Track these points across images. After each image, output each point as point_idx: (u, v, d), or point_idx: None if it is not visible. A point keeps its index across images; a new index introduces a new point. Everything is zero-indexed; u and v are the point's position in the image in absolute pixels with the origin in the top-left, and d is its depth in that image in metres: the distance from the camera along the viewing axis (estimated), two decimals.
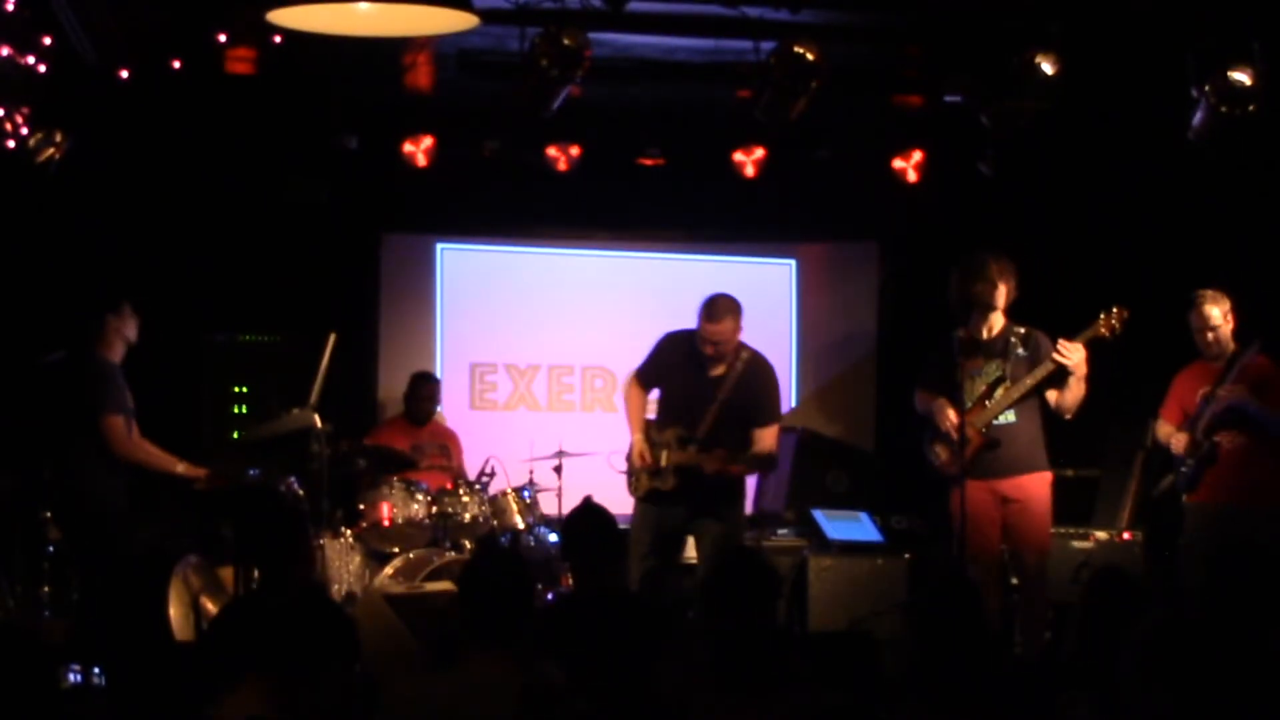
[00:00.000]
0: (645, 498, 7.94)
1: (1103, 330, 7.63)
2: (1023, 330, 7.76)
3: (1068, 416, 7.76)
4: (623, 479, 8.12)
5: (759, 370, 7.90)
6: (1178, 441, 7.87)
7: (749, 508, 10.48)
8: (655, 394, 8.12)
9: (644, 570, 7.81)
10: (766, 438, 7.84)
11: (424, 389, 10.00)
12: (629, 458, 8.06)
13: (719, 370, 7.84)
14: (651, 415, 8.09)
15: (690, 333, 7.87)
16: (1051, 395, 7.73)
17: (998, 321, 7.82)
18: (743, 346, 7.87)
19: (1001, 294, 7.77)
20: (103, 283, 8.83)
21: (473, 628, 4.47)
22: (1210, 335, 7.83)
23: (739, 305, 7.81)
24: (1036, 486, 7.81)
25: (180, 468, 8.02)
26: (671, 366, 7.98)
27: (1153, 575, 8.54)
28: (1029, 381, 7.69)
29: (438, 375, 10.45)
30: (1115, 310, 7.61)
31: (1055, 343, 7.67)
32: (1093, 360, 7.64)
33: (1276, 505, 7.72)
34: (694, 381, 7.86)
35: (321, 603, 4.23)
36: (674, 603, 8.12)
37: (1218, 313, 7.82)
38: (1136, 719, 3.57)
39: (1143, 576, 8.40)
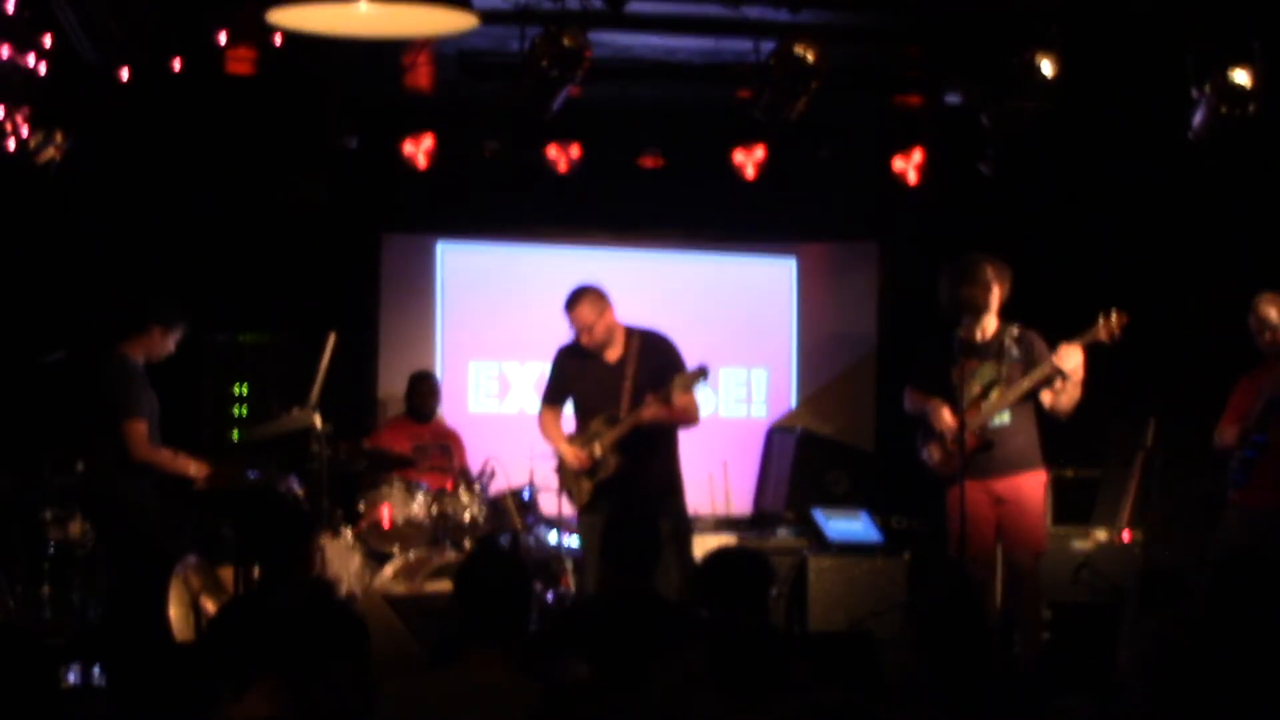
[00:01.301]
0: (589, 505, 8.03)
1: (1101, 334, 7.61)
2: (1016, 331, 7.75)
3: (1063, 418, 7.75)
4: None
5: (655, 342, 8.11)
6: (1230, 434, 7.76)
7: (749, 508, 10.55)
8: (568, 415, 8.28)
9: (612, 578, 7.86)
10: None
11: (424, 385, 10.04)
12: (562, 473, 8.19)
13: (617, 354, 8.05)
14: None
15: (575, 339, 8.11)
16: (1046, 397, 7.71)
17: (991, 323, 7.81)
18: (630, 330, 8.10)
19: (994, 296, 7.77)
20: (112, 286, 8.80)
21: (469, 627, 4.47)
22: (1269, 335, 7.76)
23: (593, 289, 8.06)
24: (1030, 486, 7.80)
25: (193, 469, 8.03)
26: (573, 371, 8.17)
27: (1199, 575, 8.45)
28: (1025, 384, 7.67)
29: (437, 375, 10.46)
30: (1114, 315, 7.59)
31: (1051, 343, 7.66)
32: (1090, 363, 7.63)
33: None
34: (599, 373, 8.05)
35: (332, 601, 4.24)
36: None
37: (1275, 313, 7.76)
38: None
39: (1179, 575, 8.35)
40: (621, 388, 7.95)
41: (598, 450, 7.96)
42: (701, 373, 7.86)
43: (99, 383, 7.94)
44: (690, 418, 8.04)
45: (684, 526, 8.08)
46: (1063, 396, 7.66)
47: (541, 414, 8.29)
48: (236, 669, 4.01)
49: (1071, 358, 7.55)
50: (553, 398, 8.27)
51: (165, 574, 7.43)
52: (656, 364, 7.98)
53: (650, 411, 7.83)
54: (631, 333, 8.08)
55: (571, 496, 8.15)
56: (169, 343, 8.04)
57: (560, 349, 8.25)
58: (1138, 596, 4.79)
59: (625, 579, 5.84)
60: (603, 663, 4.45)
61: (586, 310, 7.98)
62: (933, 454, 7.88)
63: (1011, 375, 7.71)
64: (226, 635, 4.62)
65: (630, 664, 4.41)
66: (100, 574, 7.97)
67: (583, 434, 8.08)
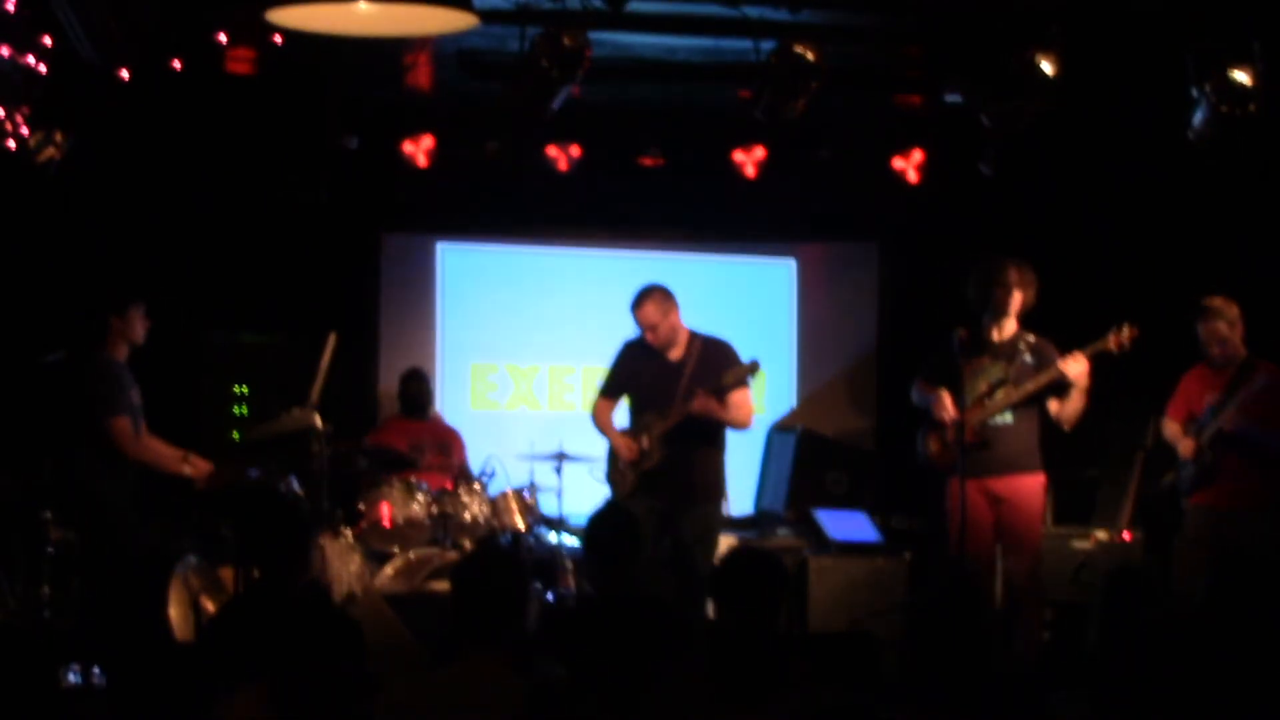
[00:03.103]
0: (630, 495, 8.11)
1: (1110, 345, 7.65)
2: (1033, 339, 7.80)
3: (1066, 429, 7.79)
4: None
5: (717, 346, 8.24)
6: (1184, 446, 7.91)
7: (749, 508, 10.55)
8: (621, 410, 8.37)
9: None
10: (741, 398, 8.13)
11: (415, 383, 10.03)
12: (610, 464, 8.31)
13: (679, 354, 8.16)
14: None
15: (640, 335, 8.21)
16: (1053, 406, 7.76)
17: (1010, 326, 7.84)
18: (694, 333, 8.21)
19: (1016, 301, 7.80)
20: (111, 283, 8.83)
21: (466, 627, 4.47)
22: (1217, 343, 7.84)
23: (660, 289, 8.18)
24: (1028, 488, 7.82)
25: (187, 468, 8.02)
26: (634, 367, 8.29)
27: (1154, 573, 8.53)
28: (1030, 386, 7.71)
29: (438, 375, 10.48)
30: (1125, 328, 7.62)
31: (1060, 347, 7.69)
32: (1096, 373, 7.65)
33: (1270, 506, 7.73)
34: (659, 370, 8.17)
35: (324, 606, 4.23)
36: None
37: (1225, 320, 7.82)
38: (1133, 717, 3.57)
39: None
40: (678, 386, 8.07)
41: (645, 442, 8.09)
42: (752, 367, 8.02)
43: (80, 384, 7.96)
44: (741, 417, 8.15)
45: (712, 532, 8.17)
46: (1067, 406, 7.70)
47: (597, 405, 8.43)
48: (234, 669, 4.01)
49: (1076, 366, 7.59)
50: (610, 391, 8.39)
51: (163, 573, 7.43)
52: (715, 367, 8.09)
53: (699, 403, 7.96)
54: (695, 336, 8.22)
55: (615, 487, 8.21)
56: (135, 327, 8.01)
57: (625, 343, 8.38)
58: (1105, 595, 4.81)
59: (605, 576, 5.83)
60: (585, 664, 4.44)
61: (652, 309, 8.10)
62: (930, 446, 7.91)
63: (1020, 377, 7.74)
64: (226, 635, 4.63)
65: (613, 665, 4.40)
66: (86, 574, 7.96)
67: (635, 426, 8.19)
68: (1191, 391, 8.00)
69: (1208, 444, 7.80)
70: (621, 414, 8.43)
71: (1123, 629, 4.61)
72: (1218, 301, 7.88)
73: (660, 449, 8.05)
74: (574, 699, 4.26)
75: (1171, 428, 8.05)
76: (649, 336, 8.14)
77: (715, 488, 8.18)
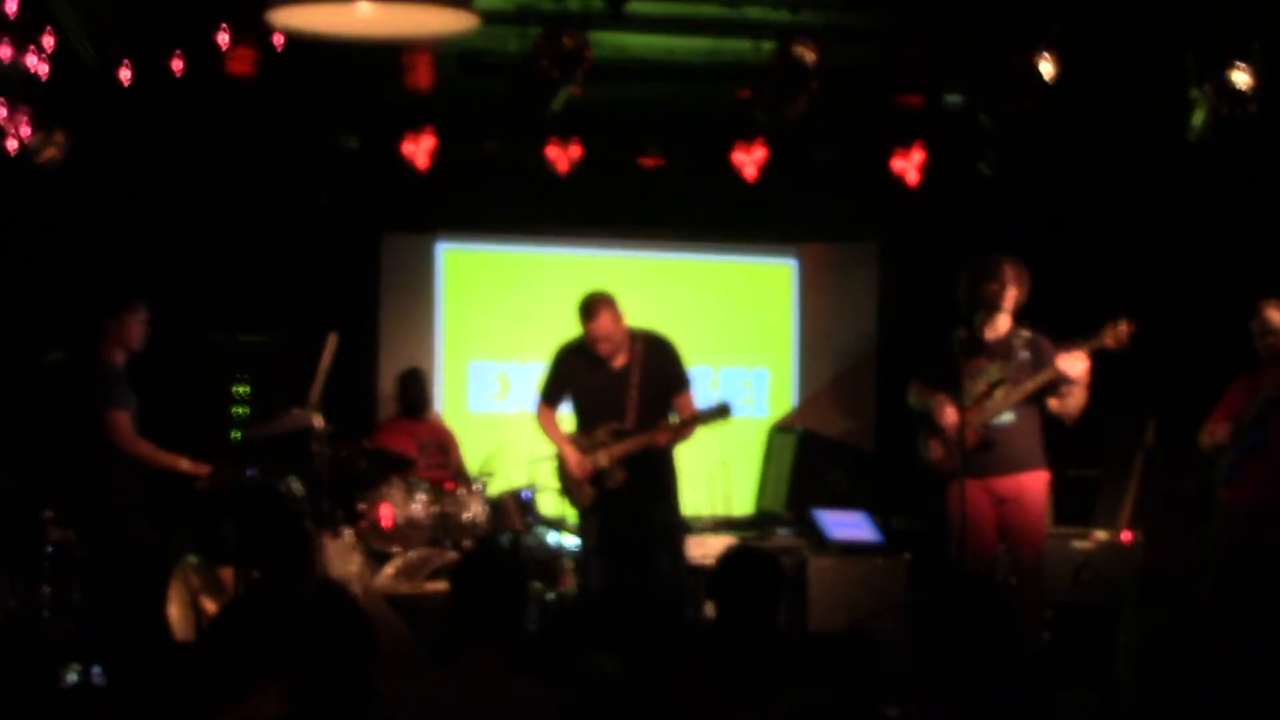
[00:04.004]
0: (593, 507, 8.06)
1: (1107, 341, 7.62)
2: (1027, 334, 7.77)
3: (1070, 423, 7.77)
4: None
5: (660, 348, 8.16)
6: (1222, 431, 7.82)
7: (749, 508, 10.56)
8: (565, 410, 8.34)
9: (614, 576, 7.91)
10: (688, 403, 8.12)
11: (414, 383, 10.04)
12: (563, 473, 8.23)
13: (622, 361, 8.07)
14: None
15: (580, 340, 8.10)
16: (1053, 402, 7.73)
17: (1004, 324, 7.82)
18: (633, 334, 8.10)
19: (1011, 297, 7.78)
20: (111, 284, 8.84)
21: (464, 626, 4.47)
22: (1271, 339, 7.81)
23: (609, 297, 8.05)
24: (1032, 486, 7.80)
25: (184, 464, 8.06)
26: (576, 374, 8.19)
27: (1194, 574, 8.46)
28: (1029, 385, 7.69)
29: (437, 375, 10.48)
30: (1122, 323, 7.61)
31: (1059, 348, 7.67)
32: (1096, 372, 7.65)
33: None
34: (604, 379, 8.07)
35: (343, 601, 4.22)
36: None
37: (1279, 318, 7.80)
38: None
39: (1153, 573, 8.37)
40: (626, 395, 8.01)
41: (604, 460, 8.01)
42: (721, 413, 7.95)
43: (83, 382, 8.01)
44: (705, 423, 8.11)
45: (678, 529, 8.21)
46: (1069, 401, 7.68)
47: (541, 411, 8.33)
48: (240, 670, 4.01)
49: (1076, 364, 7.57)
50: (553, 396, 8.30)
51: (163, 573, 7.44)
52: (662, 372, 8.06)
53: (664, 438, 7.95)
54: (635, 336, 8.11)
55: (572, 497, 8.19)
56: (132, 330, 8.08)
57: (563, 348, 8.26)
58: (1135, 595, 4.79)
59: (623, 578, 5.84)
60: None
61: (606, 320, 7.99)
62: (933, 450, 7.89)
63: (1018, 376, 7.73)
64: (229, 636, 4.62)
65: (631, 665, 4.41)
66: (91, 574, 7.98)
67: (587, 438, 8.12)
68: (1237, 398, 7.90)
69: (1253, 420, 7.70)
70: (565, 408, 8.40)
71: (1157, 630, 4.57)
72: (1272, 299, 7.84)
73: (621, 470, 8.00)
74: (625, 691, 4.25)
75: (1212, 429, 7.90)
76: (602, 347, 8.02)
77: (674, 487, 8.18)
